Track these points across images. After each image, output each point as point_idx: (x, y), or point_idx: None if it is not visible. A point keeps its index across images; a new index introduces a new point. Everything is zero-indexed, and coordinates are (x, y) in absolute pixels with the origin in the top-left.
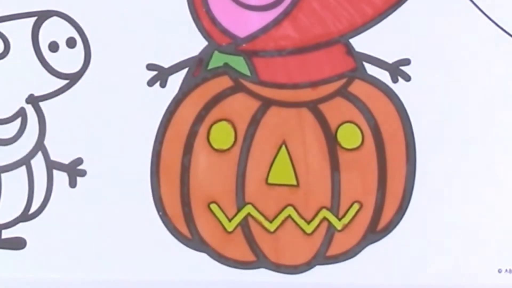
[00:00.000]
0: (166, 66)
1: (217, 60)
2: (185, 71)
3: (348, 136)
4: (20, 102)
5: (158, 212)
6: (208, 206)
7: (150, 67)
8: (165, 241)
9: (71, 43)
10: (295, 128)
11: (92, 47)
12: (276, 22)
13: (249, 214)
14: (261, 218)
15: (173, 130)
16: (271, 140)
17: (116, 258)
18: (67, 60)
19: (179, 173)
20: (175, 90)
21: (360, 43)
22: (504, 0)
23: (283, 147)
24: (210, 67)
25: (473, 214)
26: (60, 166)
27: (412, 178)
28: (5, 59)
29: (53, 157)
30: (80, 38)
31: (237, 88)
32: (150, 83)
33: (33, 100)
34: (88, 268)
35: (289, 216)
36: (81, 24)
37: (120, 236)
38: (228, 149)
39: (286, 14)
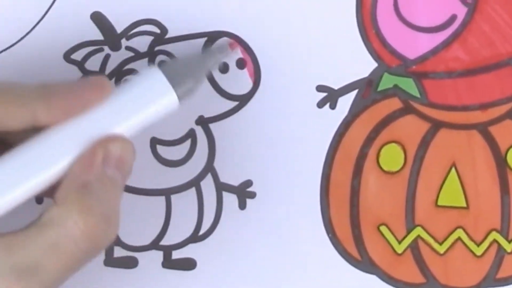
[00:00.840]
0: (336, 87)
1: (387, 81)
2: (354, 92)
3: None
4: (190, 124)
5: (328, 234)
6: (378, 228)
7: (320, 88)
8: (335, 263)
9: (240, 64)
10: (465, 151)
11: (262, 68)
12: (446, 44)
13: (418, 236)
14: (430, 240)
15: (343, 152)
16: (441, 163)
17: (286, 280)
18: (237, 81)
19: (349, 195)
20: (345, 111)
21: None
22: None
23: (453, 170)
24: (380, 88)
25: None
26: (230, 188)
27: None
28: None
29: (222, 179)
30: (250, 59)
31: (406, 109)
32: (320, 104)
33: (202, 122)
34: None
35: (459, 239)
36: (250, 45)
37: (290, 257)
38: (398, 171)
39: (455, 36)
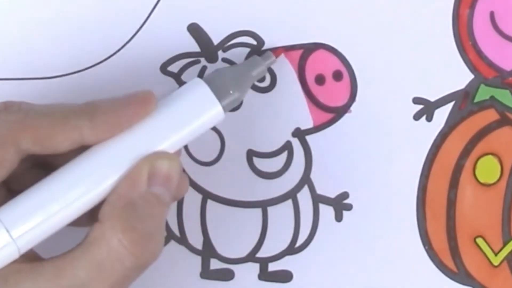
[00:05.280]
0: (432, 99)
1: (484, 93)
2: (451, 104)
3: None
4: (287, 136)
5: (424, 246)
6: (474, 240)
7: (416, 100)
8: (431, 275)
9: (337, 76)
10: None
11: (358, 80)
12: None
13: None
14: None
15: (439, 164)
16: None
17: None
18: (333, 93)
19: (445, 207)
20: (441, 123)
21: None
22: None
23: None
24: (476, 100)
25: None
26: (326, 200)
27: None
28: (271, 92)
29: (319, 191)
30: (346, 71)
31: (503, 121)
32: (416, 116)
33: (299, 134)
34: None
35: None
36: (347, 57)
37: (386, 269)
38: (494, 184)
39: None
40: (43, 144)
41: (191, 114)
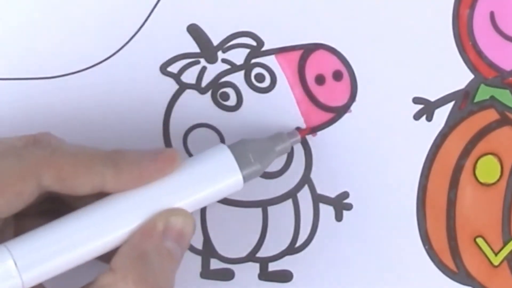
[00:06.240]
0: (432, 99)
1: (484, 93)
2: (451, 104)
3: None
4: None
5: (424, 245)
6: (474, 240)
7: (416, 100)
8: (431, 274)
9: (337, 76)
10: None
11: (358, 80)
12: None
13: None
14: None
15: (439, 164)
16: None
17: None
18: (333, 93)
19: (445, 207)
20: (441, 123)
21: None
22: None
23: None
24: (476, 100)
25: None
26: (327, 200)
27: None
28: (271, 92)
29: (319, 190)
30: (346, 71)
31: (503, 121)
32: (416, 116)
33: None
34: None
35: None
36: (347, 57)
37: (386, 269)
38: (494, 183)
39: None
40: (64, 183)
41: (212, 178)
